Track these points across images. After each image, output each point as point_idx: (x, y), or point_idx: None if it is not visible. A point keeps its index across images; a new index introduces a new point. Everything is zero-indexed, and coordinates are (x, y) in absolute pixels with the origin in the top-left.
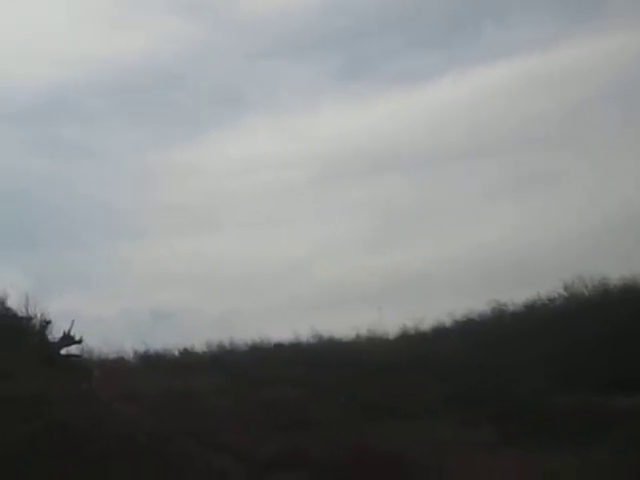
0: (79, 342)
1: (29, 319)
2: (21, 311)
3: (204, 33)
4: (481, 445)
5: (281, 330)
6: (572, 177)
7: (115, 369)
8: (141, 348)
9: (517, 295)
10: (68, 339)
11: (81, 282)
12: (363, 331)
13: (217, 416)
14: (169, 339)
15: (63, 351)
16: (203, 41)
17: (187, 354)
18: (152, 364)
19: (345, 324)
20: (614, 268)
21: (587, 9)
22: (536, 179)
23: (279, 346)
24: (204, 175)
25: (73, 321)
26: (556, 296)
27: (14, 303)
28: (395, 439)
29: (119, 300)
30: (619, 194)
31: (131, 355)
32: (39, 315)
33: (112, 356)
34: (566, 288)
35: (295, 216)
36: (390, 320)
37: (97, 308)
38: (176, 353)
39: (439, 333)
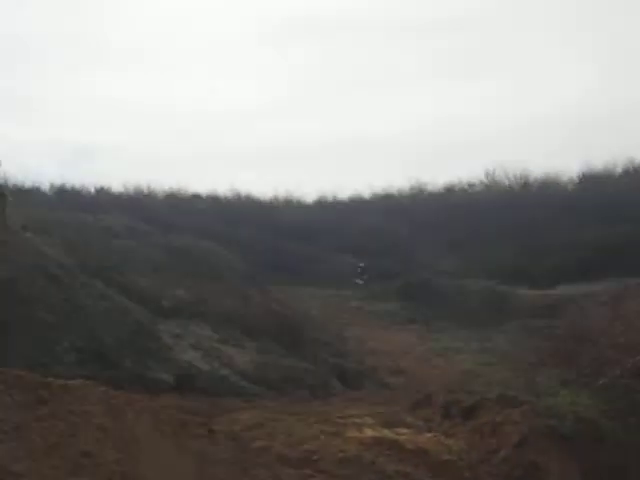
0: None
1: None
2: None
3: None
4: (387, 318)
5: (200, 181)
6: (513, 67)
7: (30, 199)
8: (58, 181)
9: (439, 176)
10: None
11: (9, 105)
12: (281, 193)
13: (127, 257)
14: (89, 176)
15: None
16: None
17: (103, 193)
18: (68, 199)
19: (264, 184)
20: (538, 162)
21: None
22: (473, 64)
23: (196, 197)
24: (143, 17)
25: None
26: (476, 183)
27: None
28: (303, 301)
29: (45, 130)
30: (554, 92)
31: (48, 187)
32: None
33: (28, 185)
34: (487, 176)
35: (232, 71)
36: (309, 185)
37: (21, 134)
38: (92, 191)
39: (356, 204)
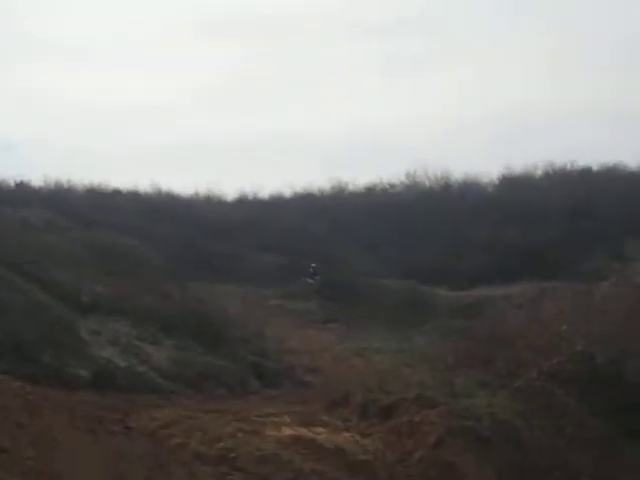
0: None
1: None
2: None
3: None
4: (307, 317)
5: (121, 177)
6: (445, 66)
7: None
8: None
9: (360, 177)
10: None
11: None
12: (202, 190)
13: (46, 252)
14: (8, 170)
15: None
16: None
17: (23, 186)
18: None
19: (186, 182)
20: (459, 164)
21: None
22: (405, 64)
23: (117, 192)
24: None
25: None
26: (397, 183)
27: None
28: (222, 298)
29: None
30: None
31: None
32: None
33: None
34: (408, 176)
35: (157, 65)
36: (230, 183)
37: None
38: (12, 184)
39: (277, 202)
